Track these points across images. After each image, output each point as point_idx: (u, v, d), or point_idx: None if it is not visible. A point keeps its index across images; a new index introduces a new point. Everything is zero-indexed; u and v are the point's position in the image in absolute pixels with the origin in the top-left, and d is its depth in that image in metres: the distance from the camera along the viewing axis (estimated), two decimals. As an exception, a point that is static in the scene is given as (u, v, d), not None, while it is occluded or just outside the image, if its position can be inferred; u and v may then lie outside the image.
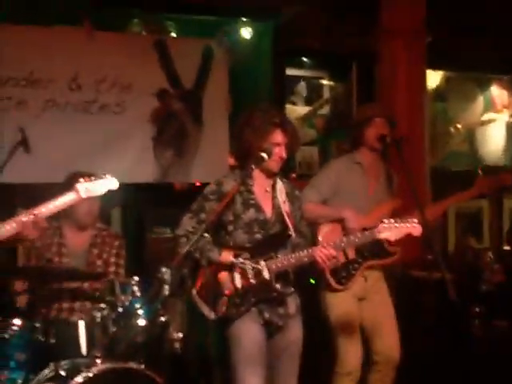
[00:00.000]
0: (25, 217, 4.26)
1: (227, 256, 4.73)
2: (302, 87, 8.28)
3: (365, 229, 5.31)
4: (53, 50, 6.84)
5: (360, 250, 5.45)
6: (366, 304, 5.69)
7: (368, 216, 5.57)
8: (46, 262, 5.48)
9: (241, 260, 4.70)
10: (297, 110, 8.22)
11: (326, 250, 4.68)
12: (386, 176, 5.81)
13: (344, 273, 5.56)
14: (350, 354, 5.63)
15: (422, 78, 7.04)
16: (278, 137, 4.76)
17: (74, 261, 5.59)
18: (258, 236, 4.80)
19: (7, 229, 4.25)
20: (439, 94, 8.92)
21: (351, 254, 5.53)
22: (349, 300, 5.62)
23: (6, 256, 5.25)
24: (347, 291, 5.60)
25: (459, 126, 8.88)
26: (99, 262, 5.67)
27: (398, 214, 5.50)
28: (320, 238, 5.57)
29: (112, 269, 5.71)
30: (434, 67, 8.44)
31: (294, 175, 7.84)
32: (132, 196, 7.44)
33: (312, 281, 5.84)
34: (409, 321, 5.88)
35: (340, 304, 5.62)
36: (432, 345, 5.62)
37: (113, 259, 5.77)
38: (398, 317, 5.73)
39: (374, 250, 5.42)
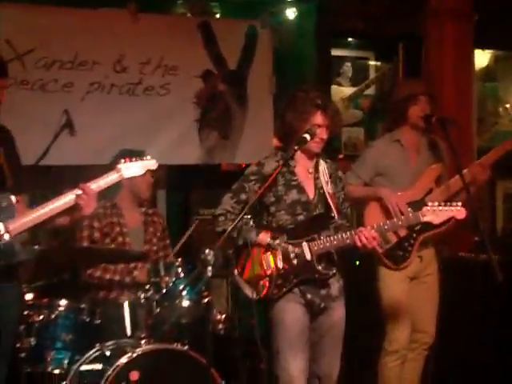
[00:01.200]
0: (79, 190, 4.38)
1: (264, 237, 4.77)
2: (347, 68, 8.27)
3: (411, 203, 5.38)
4: (98, 33, 6.88)
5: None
6: (415, 284, 5.71)
7: (413, 187, 5.61)
8: (111, 242, 5.66)
9: (277, 242, 4.73)
10: (343, 91, 8.22)
11: (367, 233, 4.69)
12: (429, 146, 5.77)
13: (400, 251, 5.57)
14: (399, 332, 5.69)
15: (470, 59, 6.99)
16: (319, 118, 4.76)
17: (133, 239, 5.77)
18: (301, 217, 4.82)
19: (66, 201, 4.37)
20: (489, 73, 8.83)
21: (403, 232, 5.50)
22: (403, 281, 5.66)
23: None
24: (402, 272, 5.62)
25: (508, 105, 8.78)
26: (155, 240, 5.86)
27: (443, 180, 5.62)
28: (366, 222, 5.59)
29: (169, 251, 5.95)
30: (483, 47, 8.37)
31: (340, 156, 7.85)
32: (177, 177, 7.52)
33: (357, 262, 5.86)
34: (455, 301, 5.87)
35: (394, 285, 5.65)
36: (478, 325, 5.58)
37: (168, 241, 6.01)
38: (445, 297, 5.76)
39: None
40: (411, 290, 5.69)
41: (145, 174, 4.74)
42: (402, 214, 5.35)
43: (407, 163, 5.71)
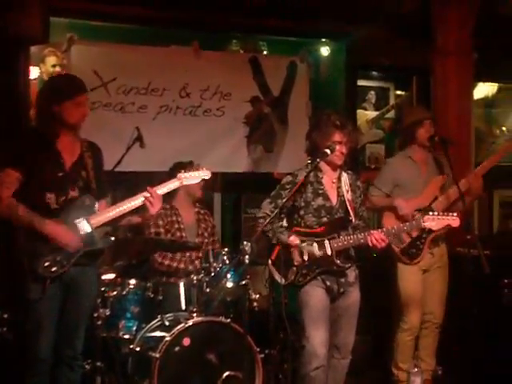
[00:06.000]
0: (147, 193, 4.48)
1: (294, 240, 4.80)
2: (371, 95, 8.24)
3: (420, 210, 5.46)
4: (167, 65, 6.94)
5: None
6: (427, 275, 5.76)
7: (421, 196, 5.65)
8: (171, 236, 5.79)
9: (304, 244, 4.76)
10: (367, 115, 8.18)
11: (377, 235, 4.73)
12: (435, 161, 5.81)
13: (413, 249, 5.62)
14: (411, 315, 5.74)
15: (469, 90, 6.96)
16: (338, 136, 4.80)
17: (189, 233, 5.89)
18: (325, 219, 4.86)
19: (136, 202, 4.49)
20: (490, 102, 8.75)
21: (415, 233, 5.54)
22: (416, 273, 5.72)
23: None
24: (417, 266, 5.68)
25: (504, 128, 8.69)
26: (206, 234, 5.98)
27: (445, 189, 5.67)
28: (384, 223, 5.64)
29: (218, 245, 6.04)
30: (486, 80, 8.32)
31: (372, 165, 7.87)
32: (231, 183, 7.59)
33: (374, 254, 5.87)
34: (452, 288, 5.86)
35: (409, 276, 5.71)
36: (470, 308, 5.56)
37: (216, 237, 6.13)
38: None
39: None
40: (423, 280, 5.75)
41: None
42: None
43: (419, 175, 5.75)
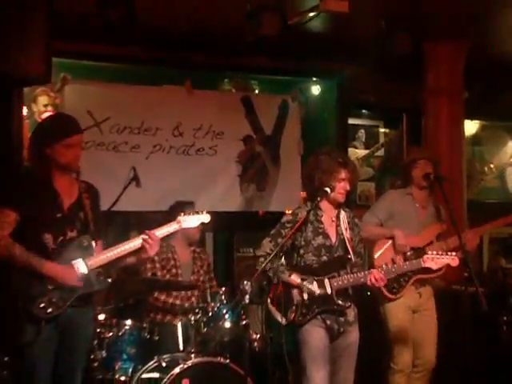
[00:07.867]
0: (145, 235, 4.38)
1: (295, 279, 4.72)
2: (361, 134, 8.29)
3: (413, 248, 5.42)
4: (160, 105, 6.95)
5: None
6: (417, 317, 5.65)
7: (418, 236, 5.59)
8: (167, 273, 5.72)
9: (305, 283, 4.69)
10: (357, 152, 8.22)
11: (377, 274, 4.68)
12: (434, 207, 5.76)
13: (395, 284, 5.51)
14: (403, 356, 5.62)
15: (460, 128, 6.98)
16: (343, 173, 4.76)
17: (184, 271, 5.82)
18: (324, 258, 4.78)
19: (134, 243, 4.38)
20: (477, 139, 8.81)
21: None
22: (404, 311, 5.60)
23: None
24: (403, 304, 5.58)
25: (492, 165, 8.74)
26: (201, 272, 5.92)
27: (442, 237, 5.59)
28: (375, 257, 5.60)
29: (215, 282, 5.99)
30: (472, 118, 8.37)
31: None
32: (223, 222, 7.52)
33: (368, 293, 5.81)
34: (449, 326, 5.80)
35: (397, 314, 5.60)
36: (468, 346, 5.51)
37: (212, 274, 6.04)
38: (442, 322, 5.72)
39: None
40: (414, 323, 5.64)
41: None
42: (405, 253, 5.37)
43: (416, 214, 5.69)
